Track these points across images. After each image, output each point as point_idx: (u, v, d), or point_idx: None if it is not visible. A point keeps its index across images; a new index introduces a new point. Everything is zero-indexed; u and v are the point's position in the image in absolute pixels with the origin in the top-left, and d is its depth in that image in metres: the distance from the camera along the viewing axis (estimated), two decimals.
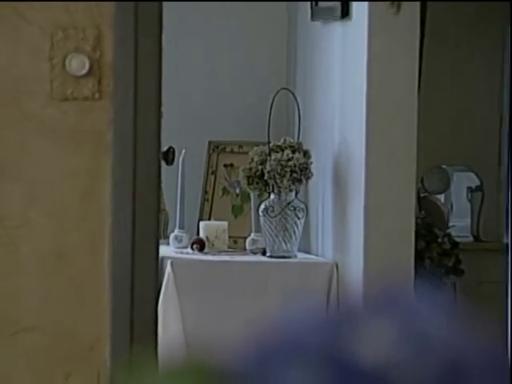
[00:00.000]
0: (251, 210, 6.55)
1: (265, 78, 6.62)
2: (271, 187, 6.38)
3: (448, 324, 0.59)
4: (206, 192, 6.80)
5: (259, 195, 6.47)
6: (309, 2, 6.52)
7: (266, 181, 6.37)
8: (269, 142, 6.44)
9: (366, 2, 5.98)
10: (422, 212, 6.63)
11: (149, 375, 0.61)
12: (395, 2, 6.02)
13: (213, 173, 6.80)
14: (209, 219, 6.68)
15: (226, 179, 6.78)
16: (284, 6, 6.70)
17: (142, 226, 4.14)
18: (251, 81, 6.58)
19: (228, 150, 6.74)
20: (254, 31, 6.68)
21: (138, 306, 4.14)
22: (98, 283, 4.10)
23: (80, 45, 4.04)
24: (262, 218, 6.44)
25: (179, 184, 6.42)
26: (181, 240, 6.44)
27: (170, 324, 5.76)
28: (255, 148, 6.44)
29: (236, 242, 6.58)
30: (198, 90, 6.29)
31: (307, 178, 6.42)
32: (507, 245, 5.64)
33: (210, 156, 6.76)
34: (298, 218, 6.43)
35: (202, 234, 6.51)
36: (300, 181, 6.40)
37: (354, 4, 6.12)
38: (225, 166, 6.76)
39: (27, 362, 4.06)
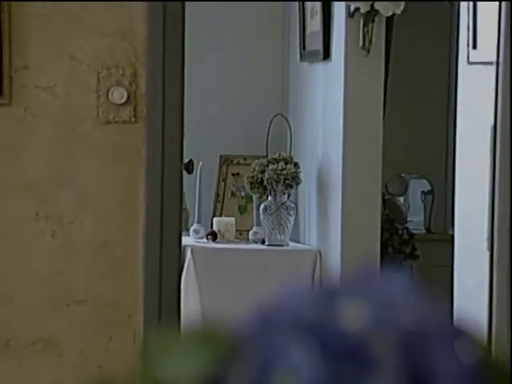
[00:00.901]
0: (253, 209, 6.54)
1: (264, 106, 6.58)
2: (269, 191, 6.37)
3: (408, 295, 0.58)
4: (217, 195, 6.78)
5: (259, 197, 6.46)
6: (298, 47, 6.52)
7: (264, 186, 6.36)
8: (267, 156, 6.43)
9: (343, 48, 6.00)
10: (386, 210, 6.62)
11: (172, 337, 0.60)
12: (365, 46, 6.03)
13: (223, 180, 6.78)
14: (220, 216, 6.66)
15: (233, 185, 6.76)
16: (279, 48, 6.69)
17: (168, 221, 4.12)
18: (254, 108, 6.55)
19: (235, 162, 6.73)
20: (255, 69, 6.66)
21: (165, 284, 4.13)
22: (133, 266, 4.08)
23: (120, 80, 4.02)
24: (261, 215, 6.43)
25: (197, 189, 6.40)
26: (198, 232, 6.43)
27: (190, 297, 5.74)
28: (256, 160, 6.43)
29: (241, 234, 6.56)
30: (212, 115, 6.28)
31: (297, 184, 6.41)
32: (452, 235, 5.66)
33: (221, 167, 6.75)
34: (290, 215, 6.43)
35: (214, 228, 6.50)
36: (291, 186, 6.39)
37: (333, 48, 6.14)
38: (232, 174, 6.75)
39: (79, 327, 4.05)
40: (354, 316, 0.57)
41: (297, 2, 6.53)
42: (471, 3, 5.35)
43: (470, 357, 0.59)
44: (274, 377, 0.56)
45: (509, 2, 4.22)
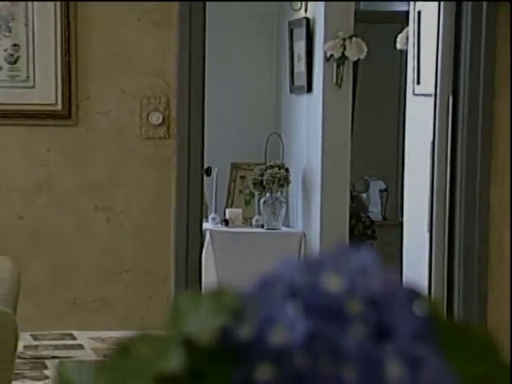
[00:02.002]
0: (255, 203, 6.53)
1: (263, 126, 6.57)
2: (267, 189, 6.36)
3: (373, 265, 0.57)
4: (229, 192, 6.76)
5: (260, 194, 6.44)
6: (288, 83, 6.51)
7: (263, 186, 6.35)
8: (265, 163, 6.42)
9: (321, 84, 6.01)
10: (353, 203, 6.59)
11: (195, 297, 0.59)
12: (338, 82, 6.03)
13: (233, 181, 6.76)
14: (231, 207, 6.64)
15: (240, 185, 6.74)
16: (274, 84, 6.67)
17: (192, 211, 4.10)
18: (255, 128, 6.54)
19: (242, 167, 6.71)
20: (256, 99, 6.64)
21: (190, 258, 4.12)
22: (166, 244, 4.07)
23: (157, 107, 4.01)
24: (261, 207, 6.42)
25: (214, 187, 6.38)
26: (215, 219, 6.40)
27: (209, 268, 5.72)
28: (257, 166, 6.41)
29: (246, 221, 6.54)
30: (225, 133, 6.26)
31: (287, 184, 6.39)
32: (401, 222, 5.66)
33: (231, 171, 6.73)
34: (282, 207, 6.42)
35: (227, 216, 6.48)
36: (283, 185, 6.37)
37: (314, 84, 6.13)
38: (240, 177, 6.73)
39: (127, 289, 4.04)
40: (332, 281, 0.56)
41: (287, 51, 6.52)
42: (415, 52, 5.33)
43: (421, 311, 0.58)
44: (272, 328, 0.55)
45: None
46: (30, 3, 3.92)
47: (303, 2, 6.30)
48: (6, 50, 3.96)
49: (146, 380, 0.56)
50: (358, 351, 0.53)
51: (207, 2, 4.07)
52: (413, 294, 0.57)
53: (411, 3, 5.45)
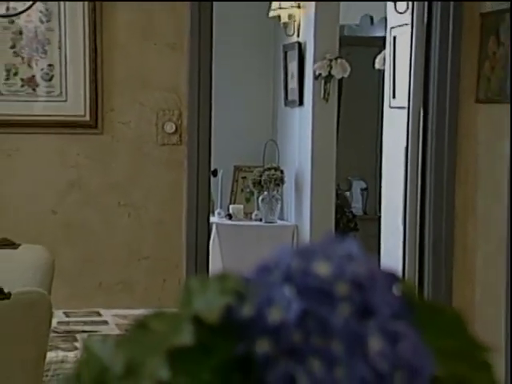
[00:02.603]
0: (254, 200, 6.53)
1: (262, 135, 6.58)
2: (264, 188, 6.37)
3: (356, 252, 0.56)
4: (232, 191, 6.76)
5: (258, 192, 6.44)
6: (283, 97, 6.51)
7: (262, 185, 6.35)
8: (263, 166, 6.43)
9: (311, 98, 6.02)
10: (338, 200, 6.59)
11: (203, 280, 0.59)
12: (325, 97, 6.04)
13: (236, 181, 6.75)
14: (234, 204, 6.64)
15: (242, 184, 6.74)
16: (271, 98, 6.68)
17: (201, 207, 4.10)
18: (255, 136, 6.55)
19: (243, 170, 6.70)
20: (256, 111, 6.66)
21: (199, 247, 4.11)
22: (179, 236, 4.07)
23: (171, 118, 4.01)
24: (260, 203, 6.42)
25: (219, 187, 6.38)
26: (220, 214, 6.40)
27: (215, 256, 5.72)
28: (256, 169, 6.41)
29: (247, 215, 6.53)
30: (229, 140, 6.25)
31: (282, 184, 6.39)
32: (379, 216, 5.66)
33: (234, 173, 6.72)
34: (277, 203, 6.42)
35: (230, 211, 6.48)
36: (278, 185, 6.37)
37: (305, 98, 6.14)
38: (241, 177, 6.72)
39: (145, 274, 4.04)
40: (322, 267, 0.55)
41: (282, 70, 6.52)
42: (391, 71, 5.32)
43: (399, 293, 0.57)
44: (270, 307, 0.55)
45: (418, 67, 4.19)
46: (62, 30, 3.92)
47: (296, 29, 6.30)
48: (42, 70, 3.96)
49: (160, 352, 0.55)
50: (345, 327, 0.53)
51: (214, 29, 4.06)
52: (391, 277, 0.56)
53: (388, 30, 5.45)
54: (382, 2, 5.62)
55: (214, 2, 4.06)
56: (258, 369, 0.53)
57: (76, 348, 2.78)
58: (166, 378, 0.54)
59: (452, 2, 4.03)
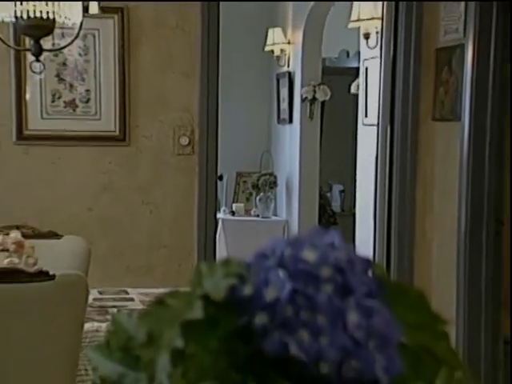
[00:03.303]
0: (253, 199, 6.54)
1: (259, 146, 6.59)
2: (261, 190, 6.38)
3: (338, 242, 0.56)
4: (235, 192, 6.75)
5: (256, 193, 6.46)
6: (276, 116, 6.52)
7: (259, 187, 6.36)
8: (260, 171, 6.44)
9: (299, 117, 6.04)
10: (321, 200, 6.59)
11: (211, 265, 0.58)
12: (310, 116, 6.06)
13: (238, 184, 6.75)
14: (236, 202, 6.65)
15: (243, 187, 6.75)
16: (267, 116, 6.68)
17: (210, 205, 4.10)
18: (253, 147, 6.56)
19: (244, 175, 6.70)
20: (255, 127, 6.67)
21: (208, 238, 4.11)
22: (191, 229, 4.07)
23: (185, 132, 4.01)
24: (257, 202, 6.43)
25: (224, 188, 6.39)
26: (225, 211, 6.41)
27: (221, 245, 5.72)
28: (255, 174, 6.42)
29: (247, 212, 6.53)
30: (232, 151, 6.25)
31: (275, 186, 6.39)
32: (354, 213, 5.66)
33: (236, 177, 6.72)
34: (271, 202, 6.43)
35: (234, 209, 6.48)
36: (272, 187, 6.38)
37: (294, 117, 6.16)
38: (243, 181, 6.73)
39: (164, 260, 4.04)
40: (309, 254, 0.55)
41: (275, 94, 6.53)
42: (364, 95, 5.33)
43: (372, 275, 0.57)
44: (267, 287, 0.54)
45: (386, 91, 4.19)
46: (97, 62, 3.93)
47: (286, 61, 6.30)
48: (81, 94, 3.97)
49: (175, 324, 0.55)
50: (328, 304, 0.52)
51: (220, 61, 4.06)
52: (366, 262, 0.56)
53: (361, 62, 5.45)
54: (356, 40, 5.62)
55: (221, 41, 4.07)
56: (257, 338, 0.53)
57: (107, 320, 2.77)
58: (181, 346, 0.54)
59: (413, 40, 4.03)
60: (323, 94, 6.11)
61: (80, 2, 2.83)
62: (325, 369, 0.52)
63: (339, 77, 6.42)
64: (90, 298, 2.66)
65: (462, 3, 3.73)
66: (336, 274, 0.54)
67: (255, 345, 0.54)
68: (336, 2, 5.90)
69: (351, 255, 0.55)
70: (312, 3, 5.93)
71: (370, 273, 0.56)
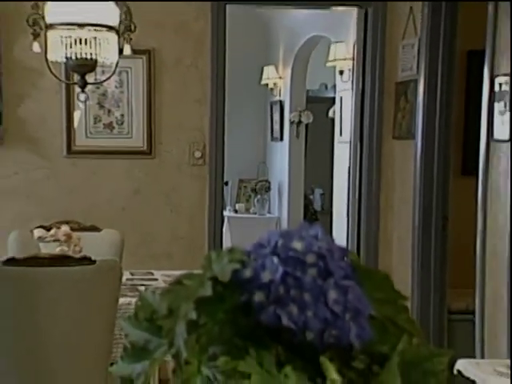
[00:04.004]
0: (252, 201, 6.53)
1: (256, 158, 6.58)
2: (258, 193, 6.36)
3: (321, 234, 0.55)
4: (238, 195, 6.73)
5: (254, 195, 6.44)
6: (270, 135, 6.52)
7: (256, 191, 6.34)
8: (257, 179, 6.43)
9: (287, 136, 6.04)
10: (305, 201, 6.58)
11: (219, 253, 0.57)
12: (297, 135, 6.05)
13: (240, 188, 6.72)
14: (239, 203, 6.63)
15: (244, 190, 6.73)
16: (263, 135, 6.67)
17: (217, 205, 4.08)
18: (252, 159, 6.55)
19: (244, 181, 6.67)
20: (253, 144, 6.66)
21: (216, 232, 4.09)
22: (203, 224, 4.05)
23: (198, 148, 3.97)
24: (255, 203, 6.41)
25: (229, 192, 6.37)
26: (230, 209, 6.39)
27: (227, 238, 5.71)
28: (253, 180, 6.41)
29: (247, 210, 6.52)
30: (235, 163, 6.23)
31: (269, 190, 6.38)
32: (331, 211, 5.65)
33: (239, 183, 6.70)
34: (266, 203, 6.41)
35: (236, 208, 6.46)
36: (267, 191, 6.37)
37: (284, 136, 6.15)
38: (244, 186, 6.71)
39: (181, 249, 4.02)
40: (297, 244, 0.54)
41: (269, 118, 6.52)
42: (339, 118, 5.32)
43: (348, 261, 0.56)
44: (263, 271, 0.53)
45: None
46: (130, 93, 3.93)
47: (278, 92, 6.30)
48: (116, 118, 3.97)
49: (190, 300, 0.54)
50: (312, 284, 0.52)
51: (226, 92, 4.06)
52: (343, 251, 0.55)
53: (337, 93, 5.44)
54: (333, 76, 5.61)
55: (226, 75, 4.06)
56: (256, 312, 0.52)
57: (137, 296, 2.77)
58: (194, 317, 0.53)
59: (377, 75, 4.03)
60: (307, 118, 6.11)
61: (116, 45, 2.83)
62: (310, 336, 0.51)
63: (319, 104, 6.42)
64: (123, 278, 2.65)
65: (416, 48, 3.73)
66: (319, 260, 0.53)
67: (254, 317, 0.53)
68: (317, 47, 5.90)
69: (331, 245, 0.54)
70: (298, 47, 5.93)
71: (345, 259, 0.56)
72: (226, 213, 6.02)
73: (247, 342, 0.53)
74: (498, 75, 3.00)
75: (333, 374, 0.52)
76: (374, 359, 0.55)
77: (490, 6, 3.02)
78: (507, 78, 2.92)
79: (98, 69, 3.05)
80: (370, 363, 0.55)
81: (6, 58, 3.75)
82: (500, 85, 2.98)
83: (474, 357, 3.07)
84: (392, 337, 0.58)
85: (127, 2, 2.93)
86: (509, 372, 1.99)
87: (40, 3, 2.75)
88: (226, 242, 5.46)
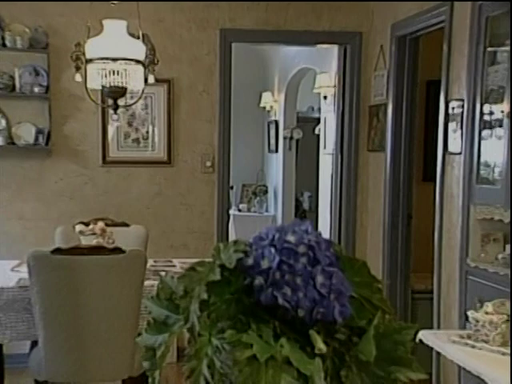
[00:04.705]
0: (253, 201, 6.51)
1: (256, 167, 6.56)
2: (257, 195, 6.35)
3: (310, 229, 0.54)
4: (241, 197, 6.70)
5: (255, 197, 6.43)
6: (267, 147, 6.50)
7: (256, 194, 6.33)
8: (257, 183, 6.40)
9: (281, 148, 6.02)
10: (296, 202, 6.55)
11: (225, 244, 0.56)
12: (289, 148, 6.03)
13: (242, 191, 6.70)
14: (242, 203, 6.61)
15: (246, 193, 6.71)
16: (261, 148, 6.65)
17: (224, 205, 4.07)
18: (253, 167, 6.53)
19: (246, 185, 6.64)
20: (254, 154, 6.64)
21: (224, 227, 4.08)
22: (212, 220, 4.03)
23: (208, 158, 3.94)
24: (255, 203, 6.39)
25: (233, 195, 6.34)
26: (234, 209, 6.37)
27: (231, 233, 5.69)
28: (253, 185, 6.39)
29: (248, 210, 6.51)
30: (238, 171, 6.21)
31: (267, 193, 6.36)
32: (317, 210, 5.63)
33: (242, 187, 6.68)
34: (264, 203, 6.40)
35: (240, 207, 6.44)
36: (265, 194, 6.35)
37: (279, 149, 6.13)
38: (246, 190, 6.68)
39: (195, 240, 3.99)
40: (291, 237, 0.53)
41: (266, 134, 6.51)
42: (324, 134, 5.31)
43: (332, 251, 0.55)
44: (262, 259, 0.52)
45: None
46: (153, 114, 3.92)
47: (274, 113, 6.30)
48: (142, 134, 3.96)
49: (202, 283, 0.53)
50: (303, 270, 0.51)
51: (232, 113, 4.05)
52: (328, 243, 0.54)
53: (322, 113, 5.43)
54: (318, 100, 5.61)
55: (232, 99, 4.05)
56: (256, 293, 0.51)
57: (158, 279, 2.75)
58: (205, 297, 0.52)
59: (355, 100, 4.03)
60: (297, 134, 6.10)
61: (142, 76, 2.84)
62: (301, 313, 0.51)
63: (307, 123, 6.41)
64: (148, 264, 2.64)
65: (385, 78, 3.73)
66: (308, 250, 0.52)
67: (255, 297, 0.52)
68: (305, 76, 5.89)
69: (318, 238, 0.53)
70: (290, 76, 5.93)
71: (330, 249, 0.55)
72: (231, 211, 5.99)
73: (249, 318, 0.52)
74: (451, 100, 3.01)
75: (320, 343, 0.52)
76: (354, 332, 0.55)
77: (445, 45, 3.03)
78: (459, 103, 2.93)
79: (128, 94, 3.05)
80: (350, 335, 0.54)
81: (54, 86, 3.75)
82: (453, 108, 2.99)
83: (432, 328, 3.08)
84: (368, 313, 0.57)
85: (151, 40, 2.94)
86: (461, 340, 1.99)
87: (82, 42, 2.76)
88: (232, 236, 5.44)
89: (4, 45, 3.45)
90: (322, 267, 0.52)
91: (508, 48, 2.42)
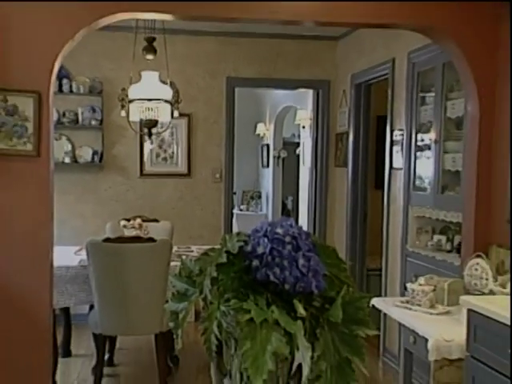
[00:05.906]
0: (250, 204, 6.47)
1: (253, 178, 6.53)
2: (254, 199, 6.31)
3: (294, 224, 0.53)
4: (242, 200, 6.67)
5: (252, 200, 6.39)
6: (261, 163, 6.48)
7: (253, 198, 6.30)
8: (254, 190, 6.37)
9: (272, 164, 5.99)
10: (283, 204, 6.49)
11: (230, 236, 0.55)
12: (277, 164, 6.01)
13: (243, 196, 6.67)
14: (242, 205, 6.57)
15: (245, 197, 6.66)
16: (256, 164, 6.62)
17: (229, 206, 4.04)
18: (251, 179, 6.49)
19: (246, 192, 6.60)
20: (252, 170, 6.60)
21: (228, 223, 4.05)
22: (219, 217, 4.00)
23: (217, 171, 3.93)
24: (252, 205, 6.36)
25: (236, 199, 6.31)
26: (237, 209, 6.32)
27: (235, 227, 5.64)
28: (251, 191, 6.36)
29: (248, 210, 6.47)
30: (240, 180, 6.15)
31: (261, 197, 6.33)
32: (297, 211, 5.59)
33: (242, 193, 6.64)
34: (259, 205, 6.36)
35: (241, 208, 6.41)
36: (259, 198, 6.32)
37: (270, 164, 6.11)
38: (245, 195, 6.64)
39: (208, 232, 3.94)
40: (279, 230, 0.52)
41: (260, 154, 6.48)
42: (303, 155, 5.28)
43: (311, 240, 0.54)
44: (258, 246, 0.51)
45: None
46: (177, 138, 3.92)
47: (266, 138, 6.27)
48: (169, 154, 3.94)
49: (213, 264, 0.52)
50: (289, 255, 0.50)
51: (235, 138, 4.03)
52: (307, 234, 0.53)
53: (301, 139, 5.41)
54: (298, 129, 5.60)
55: (236, 129, 4.04)
56: (254, 272, 0.50)
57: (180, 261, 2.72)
58: (215, 275, 0.51)
59: (325, 129, 4.03)
60: (283, 154, 6.07)
61: (169, 111, 2.88)
62: (287, 287, 0.50)
63: (291, 146, 6.40)
64: (173, 250, 2.62)
65: (347, 113, 3.76)
66: (293, 240, 0.51)
67: (253, 275, 0.51)
68: (289, 111, 5.89)
69: (300, 230, 0.52)
70: (278, 111, 5.94)
71: (309, 239, 0.54)
72: (234, 211, 5.95)
73: (248, 291, 0.51)
74: (394, 130, 3.11)
75: (301, 309, 0.51)
76: (326, 300, 0.54)
77: (389, 91, 3.13)
78: (400, 132, 3.03)
79: (159, 125, 3.08)
80: (324, 303, 0.54)
81: (106, 120, 3.77)
82: (396, 136, 3.11)
83: (381, 296, 3.11)
84: (337, 287, 0.56)
85: (176, 86, 2.97)
86: (401, 305, 2.03)
87: (126, 87, 2.85)
88: (235, 229, 5.40)
89: (71, 91, 3.74)
90: (302, 252, 0.51)
91: (433, 94, 2.56)
